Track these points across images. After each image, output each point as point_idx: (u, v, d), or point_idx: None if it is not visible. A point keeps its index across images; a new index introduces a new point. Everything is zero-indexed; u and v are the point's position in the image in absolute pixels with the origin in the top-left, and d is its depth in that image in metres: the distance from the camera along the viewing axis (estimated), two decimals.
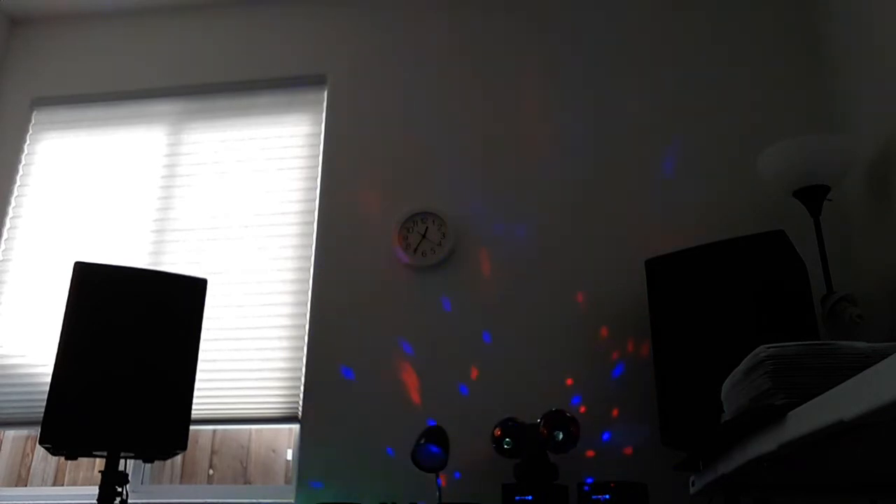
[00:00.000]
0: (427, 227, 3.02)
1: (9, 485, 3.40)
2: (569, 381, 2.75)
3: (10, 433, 3.47)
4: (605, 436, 2.65)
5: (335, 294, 3.01)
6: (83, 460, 3.21)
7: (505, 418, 2.49)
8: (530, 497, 2.33)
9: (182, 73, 3.50)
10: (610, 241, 2.91)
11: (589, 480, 2.31)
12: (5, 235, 3.35)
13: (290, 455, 3.32)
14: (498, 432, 2.46)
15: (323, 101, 3.37)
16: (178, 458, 3.42)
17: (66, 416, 2.25)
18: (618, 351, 2.76)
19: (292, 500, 2.76)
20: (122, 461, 2.34)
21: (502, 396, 2.74)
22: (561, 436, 2.40)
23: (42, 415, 2.24)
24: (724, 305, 2.31)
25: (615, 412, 2.68)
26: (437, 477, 2.39)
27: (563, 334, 2.82)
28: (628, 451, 2.62)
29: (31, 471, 3.54)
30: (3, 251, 3.34)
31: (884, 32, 2.53)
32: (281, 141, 3.34)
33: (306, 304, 3.04)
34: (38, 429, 2.26)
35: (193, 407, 2.46)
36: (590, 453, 2.63)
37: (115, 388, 2.32)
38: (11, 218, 3.38)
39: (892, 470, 1.25)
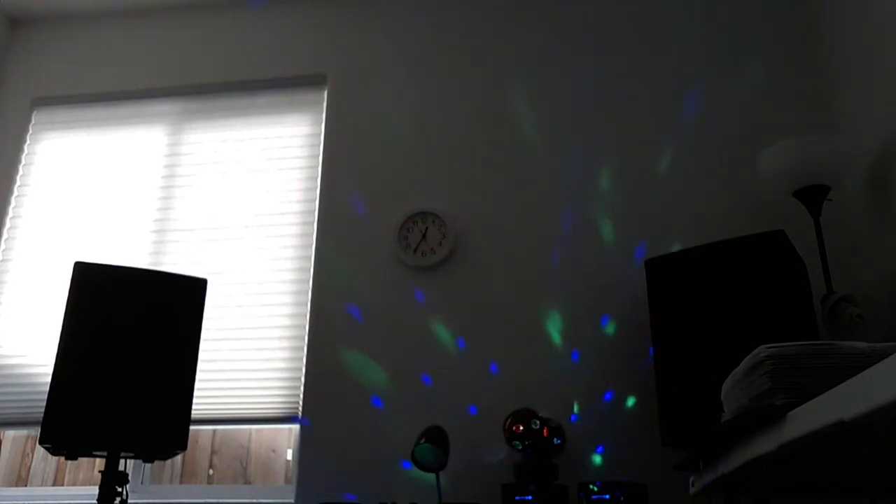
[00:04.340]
0: (427, 228, 3.02)
1: (9, 485, 3.41)
2: (568, 381, 2.75)
3: (10, 433, 3.48)
4: (600, 448, 2.66)
5: (335, 294, 3.01)
6: (83, 460, 3.21)
7: (521, 410, 2.48)
8: (530, 497, 2.33)
9: (182, 73, 3.50)
10: (610, 241, 2.91)
11: (598, 484, 2.30)
12: (5, 235, 3.35)
13: (290, 455, 3.33)
14: (518, 428, 2.45)
15: (323, 101, 3.37)
16: (178, 458, 3.43)
17: (66, 416, 2.25)
18: (618, 351, 2.76)
19: (292, 500, 2.76)
20: (122, 461, 2.33)
21: (502, 396, 2.74)
22: (538, 423, 2.42)
23: (42, 415, 2.24)
24: (724, 305, 2.31)
25: (615, 412, 2.68)
26: (437, 477, 2.39)
27: (563, 334, 2.82)
28: (628, 449, 2.63)
29: (31, 471, 3.54)
30: (3, 251, 3.33)
31: (884, 33, 2.53)
32: (281, 141, 3.34)
33: (306, 305, 3.04)
34: (38, 429, 2.26)
35: (193, 407, 2.45)
36: (589, 454, 2.63)
37: (115, 387, 2.32)
38: (11, 218, 3.38)
39: (893, 470, 1.25)
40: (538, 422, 2.43)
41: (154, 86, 3.51)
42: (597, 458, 2.63)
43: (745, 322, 2.24)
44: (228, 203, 3.26)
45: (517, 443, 2.43)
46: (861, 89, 2.71)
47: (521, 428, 2.43)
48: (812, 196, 2.48)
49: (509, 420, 2.47)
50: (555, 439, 2.42)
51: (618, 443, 2.64)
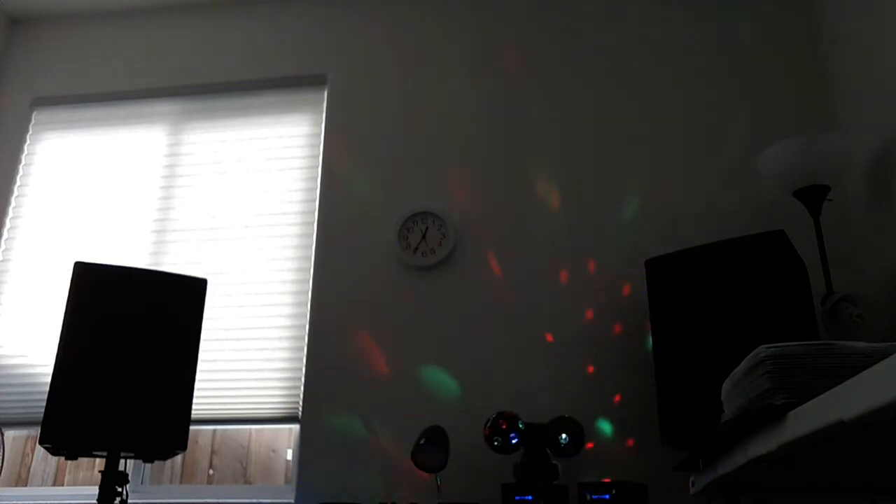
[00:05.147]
0: (427, 228, 3.02)
1: (9, 485, 3.40)
2: (568, 381, 2.75)
3: (11, 433, 3.47)
4: (606, 435, 2.66)
5: (335, 294, 3.01)
6: (83, 460, 3.21)
7: (497, 414, 2.48)
8: (530, 497, 2.33)
9: (182, 73, 3.50)
10: (610, 241, 2.91)
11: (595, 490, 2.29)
12: (5, 235, 3.35)
13: (290, 455, 3.32)
14: (487, 431, 2.45)
15: (323, 101, 3.37)
16: (178, 458, 3.42)
17: (66, 416, 2.25)
18: (618, 351, 2.76)
19: (292, 500, 2.76)
20: (122, 461, 2.34)
21: (502, 396, 2.74)
22: (565, 439, 2.40)
23: (42, 415, 2.24)
24: (723, 305, 2.31)
25: (615, 412, 2.68)
26: (437, 477, 2.39)
27: (563, 334, 2.82)
28: (628, 449, 2.63)
29: (31, 471, 3.54)
30: (3, 251, 3.33)
31: (884, 33, 2.53)
32: (281, 141, 3.34)
33: (306, 304, 3.04)
34: (38, 429, 2.26)
35: (193, 407, 2.46)
36: (589, 446, 2.63)
37: (115, 387, 2.32)
38: (11, 218, 3.38)
39: (893, 470, 1.25)
40: (494, 416, 2.44)
41: (154, 86, 3.51)
42: (597, 459, 2.63)
43: (745, 322, 2.24)
44: (228, 203, 3.26)
45: (496, 439, 2.43)
46: (861, 89, 2.71)
47: (489, 431, 2.44)
48: (812, 196, 2.48)
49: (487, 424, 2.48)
50: (511, 434, 2.41)
51: (618, 443, 2.64)
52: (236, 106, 3.44)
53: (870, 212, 2.64)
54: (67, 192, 3.39)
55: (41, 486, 3.51)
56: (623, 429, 2.65)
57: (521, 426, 2.41)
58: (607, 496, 2.27)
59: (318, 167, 3.25)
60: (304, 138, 3.33)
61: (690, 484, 1.86)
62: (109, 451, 2.30)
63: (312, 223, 3.17)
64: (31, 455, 3.57)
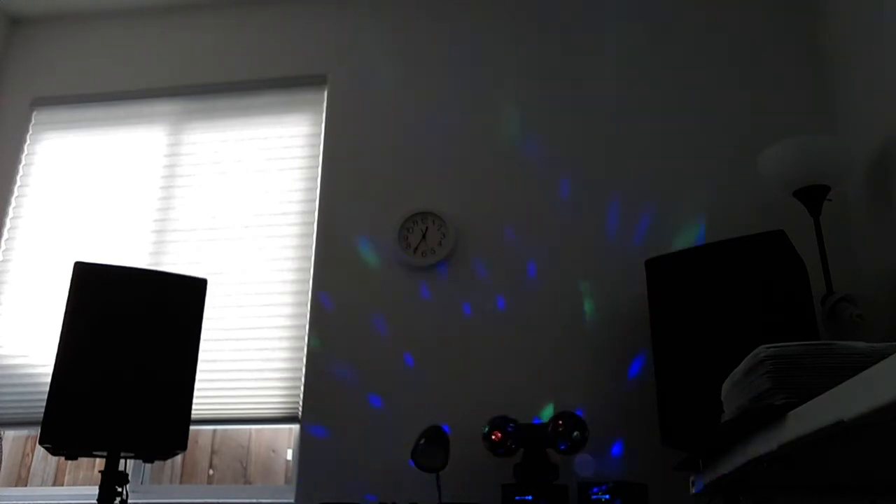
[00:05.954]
0: (427, 228, 3.02)
1: (9, 485, 3.40)
2: (568, 381, 2.75)
3: (10, 433, 3.47)
4: (609, 441, 2.66)
5: (335, 294, 3.01)
6: (83, 460, 3.21)
7: (497, 416, 2.48)
8: (530, 497, 2.32)
9: (182, 73, 3.50)
10: (610, 241, 2.91)
11: (595, 490, 2.30)
12: (5, 235, 3.35)
13: (290, 455, 3.33)
14: (497, 435, 2.46)
15: (323, 101, 3.37)
16: (178, 458, 3.43)
17: (66, 416, 2.25)
18: (618, 351, 2.76)
19: (292, 500, 2.76)
20: (122, 461, 2.33)
21: (503, 396, 2.74)
22: (577, 435, 2.39)
23: (42, 415, 2.24)
24: (724, 306, 2.31)
25: (614, 412, 2.68)
26: (438, 477, 2.39)
27: (563, 334, 2.82)
28: (628, 449, 2.63)
29: (31, 471, 3.54)
30: (3, 251, 3.33)
31: (884, 32, 2.53)
32: (281, 141, 3.34)
33: (306, 305, 3.04)
34: (38, 429, 2.26)
35: (193, 407, 2.45)
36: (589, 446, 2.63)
37: (115, 388, 2.32)
38: (11, 218, 3.38)
39: (893, 470, 1.25)
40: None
41: (154, 86, 3.51)
42: (597, 459, 2.63)
43: (745, 322, 2.24)
44: (228, 203, 3.26)
45: (485, 428, 2.44)
46: (861, 89, 2.71)
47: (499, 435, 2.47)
48: (812, 196, 2.48)
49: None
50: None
51: (618, 443, 2.64)
52: (236, 106, 3.44)
53: (870, 212, 2.64)
54: (67, 192, 3.39)
55: (41, 486, 3.51)
56: (623, 429, 2.65)
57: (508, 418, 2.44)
58: (607, 496, 2.27)
59: (318, 167, 3.25)
60: (304, 138, 3.33)
61: (690, 484, 1.86)
62: (109, 451, 2.30)
63: (312, 223, 3.17)
64: (31, 455, 3.57)
